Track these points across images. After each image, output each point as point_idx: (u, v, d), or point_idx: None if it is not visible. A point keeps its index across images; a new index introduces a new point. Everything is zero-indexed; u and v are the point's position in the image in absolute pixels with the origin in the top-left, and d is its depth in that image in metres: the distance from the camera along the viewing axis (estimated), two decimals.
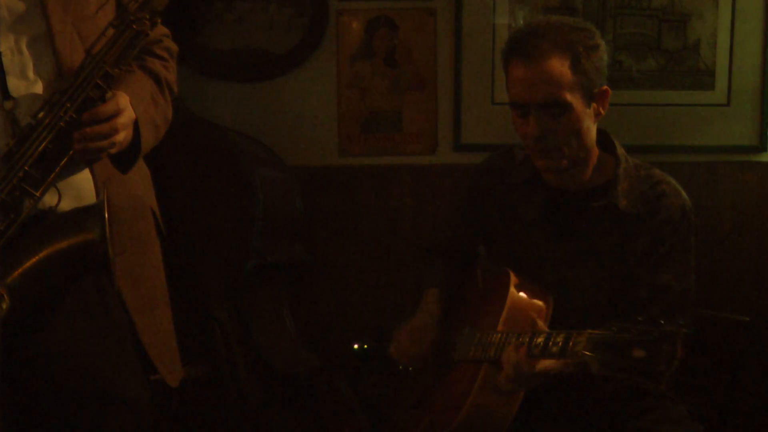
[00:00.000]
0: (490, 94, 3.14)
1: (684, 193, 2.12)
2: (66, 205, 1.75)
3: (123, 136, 1.75)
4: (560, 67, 1.99)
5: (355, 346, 2.95)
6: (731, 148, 3.13)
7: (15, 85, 1.74)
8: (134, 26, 1.74)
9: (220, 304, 2.79)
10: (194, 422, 2.76)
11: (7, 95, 1.73)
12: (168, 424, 2.56)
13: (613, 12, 3.11)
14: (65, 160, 1.71)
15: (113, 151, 1.75)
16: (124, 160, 1.83)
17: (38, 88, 1.76)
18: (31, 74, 1.76)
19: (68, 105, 1.70)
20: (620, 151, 2.15)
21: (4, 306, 1.63)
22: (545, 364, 1.91)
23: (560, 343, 1.85)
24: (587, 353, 1.72)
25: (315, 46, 3.14)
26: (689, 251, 2.11)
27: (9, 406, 1.77)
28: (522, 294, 2.10)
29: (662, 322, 1.67)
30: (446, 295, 2.31)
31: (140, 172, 1.96)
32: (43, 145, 1.69)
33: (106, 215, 1.69)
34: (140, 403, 1.89)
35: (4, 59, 1.73)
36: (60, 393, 1.81)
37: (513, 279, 2.12)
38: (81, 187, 1.81)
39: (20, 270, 1.67)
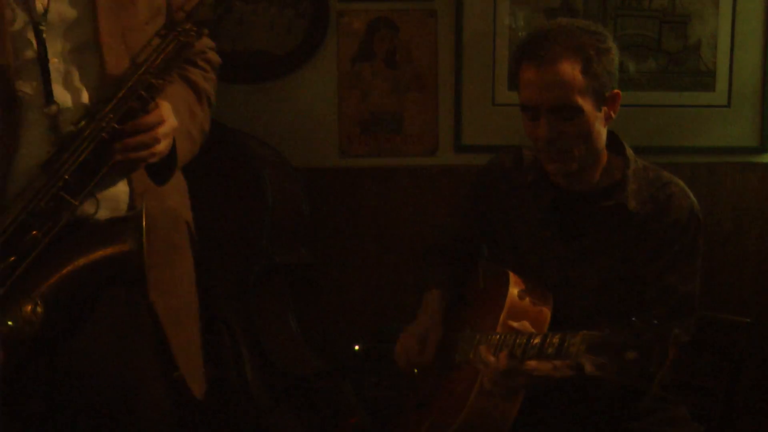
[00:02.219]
0: (491, 95, 3.14)
1: (692, 196, 2.13)
2: (103, 215, 1.75)
3: (164, 146, 1.74)
4: (572, 70, 1.99)
5: (357, 347, 2.94)
6: (732, 149, 3.13)
7: (60, 92, 1.74)
8: (180, 38, 1.74)
9: (227, 306, 2.78)
10: (201, 422, 2.76)
11: (51, 101, 1.72)
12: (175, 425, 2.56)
13: (613, 13, 3.11)
14: (105, 169, 1.70)
15: (153, 160, 1.75)
16: (161, 172, 1.82)
17: (84, 97, 1.76)
18: (77, 82, 1.76)
19: (111, 116, 1.69)
20: (629, 152, 2.16)
21: (38, 315, 1.62)
22: (530, 365, 1.91)
23: (556, 344, 1.85)
24: (582, 354, 1.73)
25: (316, 47, 3.13)
26: (696, 254, 2.11)
27: (31, 411, 1.77)
28: (521, 295, 2.10)
29: (655, 322, 1.67)
30: (448, 295, 2.31)
31: (177, 185, 1.96)
32: (84, 155, 1.68)
33: (144, 227, 1.68)
34: (163, 412, 1.90)
35: (51, 65, 1.72)
36: (84, 400, 1.81)
37: (512, 280, 2.12)
38: (119, 199, 1.81)
39: (56, 278, 1.66)
